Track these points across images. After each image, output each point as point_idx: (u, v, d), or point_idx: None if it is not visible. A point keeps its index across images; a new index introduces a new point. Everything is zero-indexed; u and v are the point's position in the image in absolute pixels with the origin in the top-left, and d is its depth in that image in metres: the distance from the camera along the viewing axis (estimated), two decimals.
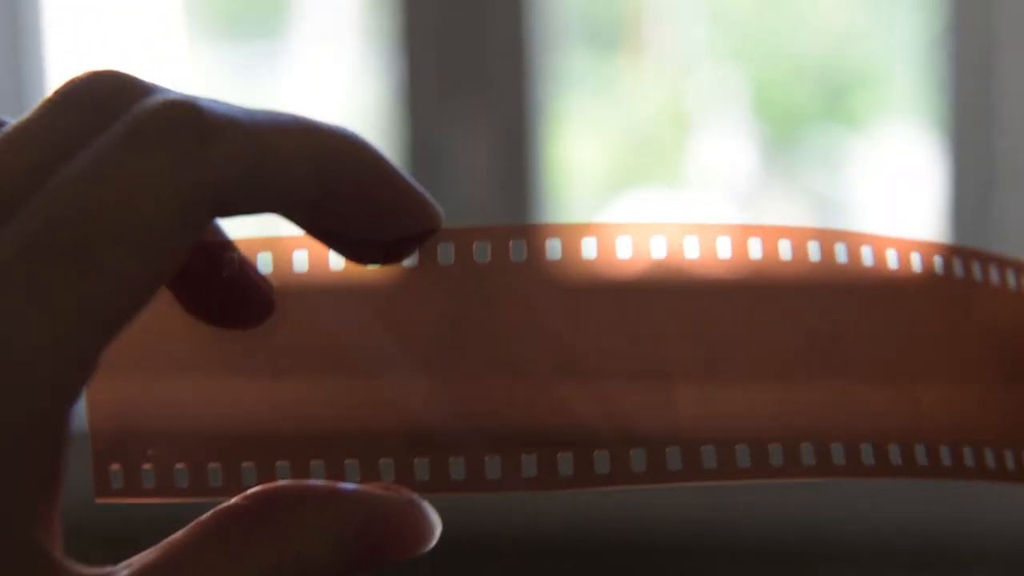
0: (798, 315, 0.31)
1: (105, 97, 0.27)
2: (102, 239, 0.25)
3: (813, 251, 0.31)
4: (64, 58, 1.29)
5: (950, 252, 0.32)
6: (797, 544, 1.11)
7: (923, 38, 1.17)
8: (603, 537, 1.13)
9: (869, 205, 1.25)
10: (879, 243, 0.32)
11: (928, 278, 0.32)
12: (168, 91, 0.27)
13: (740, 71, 1.24)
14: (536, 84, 1.19)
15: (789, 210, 1.25)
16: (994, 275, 0.33)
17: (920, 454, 0.31)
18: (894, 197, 1.24)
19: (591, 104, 1.26)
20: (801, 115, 1.25)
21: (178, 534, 0.28)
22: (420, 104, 1.20)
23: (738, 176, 1.24)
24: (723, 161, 1.23)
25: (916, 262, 0.32)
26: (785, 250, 0.31)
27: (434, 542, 0.30)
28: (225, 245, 0.30)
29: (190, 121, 0.26)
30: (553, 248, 0.30)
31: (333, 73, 1.29)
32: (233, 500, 0.29)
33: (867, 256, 0.31)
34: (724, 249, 0.31)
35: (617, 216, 1.25)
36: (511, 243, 0.30)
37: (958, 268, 0.32)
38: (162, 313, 0.30)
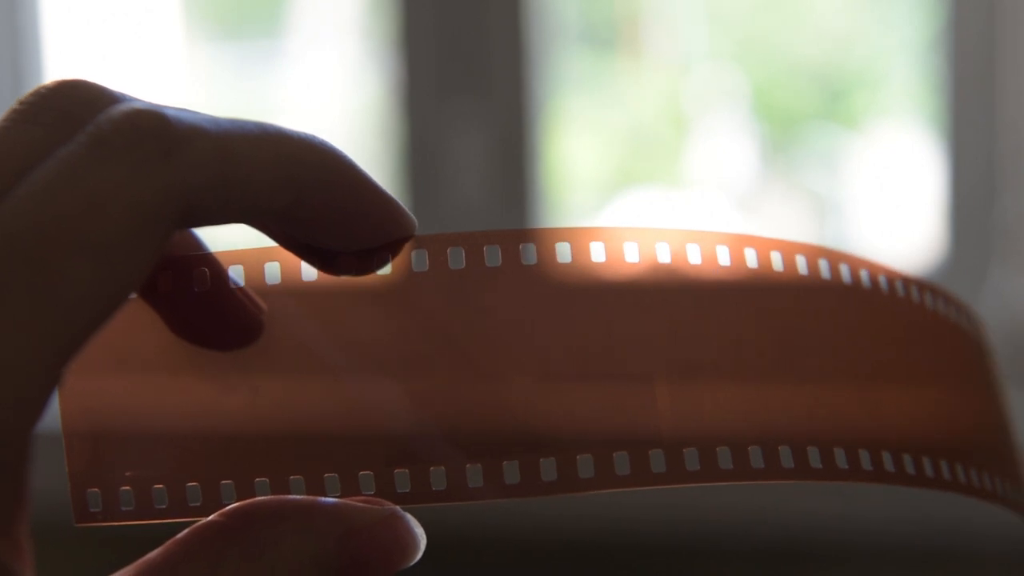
0: (772, 318, 0.31)
1: (71, 106, 0.27)
2: (63, 251, 0.24)
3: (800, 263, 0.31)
4: (63, 58, 1.29)
5: (909, 282, 0.33)
6: (797, 544, 1.11)
7: (922, 39, 1.17)
8: (603, 537, 1.13)
9: (868, 205, 1.24)
10: (863, 264, 0.32)
11: (892, 295, 0.32)
12: (135, 100, 0.27)
13: (739, 72, 1.24)
14: (535, 84, 1.19)
15: (788, 210, 1.25)
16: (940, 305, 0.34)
17: (887, 461, 0.31)
18: (893, 197, 1.24)
19: (590, 104, 1.26)
20: (800, 115, 1.25)
21: (154, 553, 0.27)
22: (419, 104, 1.20)
23: (737, 176, 1.23)
24: (722, 161, 1.23)
25: (886, 283, 0.32)
26: (773, 261, 0.31)
27: (419, 555, 0.29)
28: (200, 260, 0.30)
29: (155, 130, 0.26)
30: (531, 253, 0.30)
31: (332, 73, 1.28)
32: (211, 517, 0.28)
33: (848, 273, 0.32)
34: (717, 256, 0.31)
35: (615, 216, 1.25)
36: (486, 249, 0.30)
37: (915, 294, 0.33)
38: (137, 331, 0.30)
